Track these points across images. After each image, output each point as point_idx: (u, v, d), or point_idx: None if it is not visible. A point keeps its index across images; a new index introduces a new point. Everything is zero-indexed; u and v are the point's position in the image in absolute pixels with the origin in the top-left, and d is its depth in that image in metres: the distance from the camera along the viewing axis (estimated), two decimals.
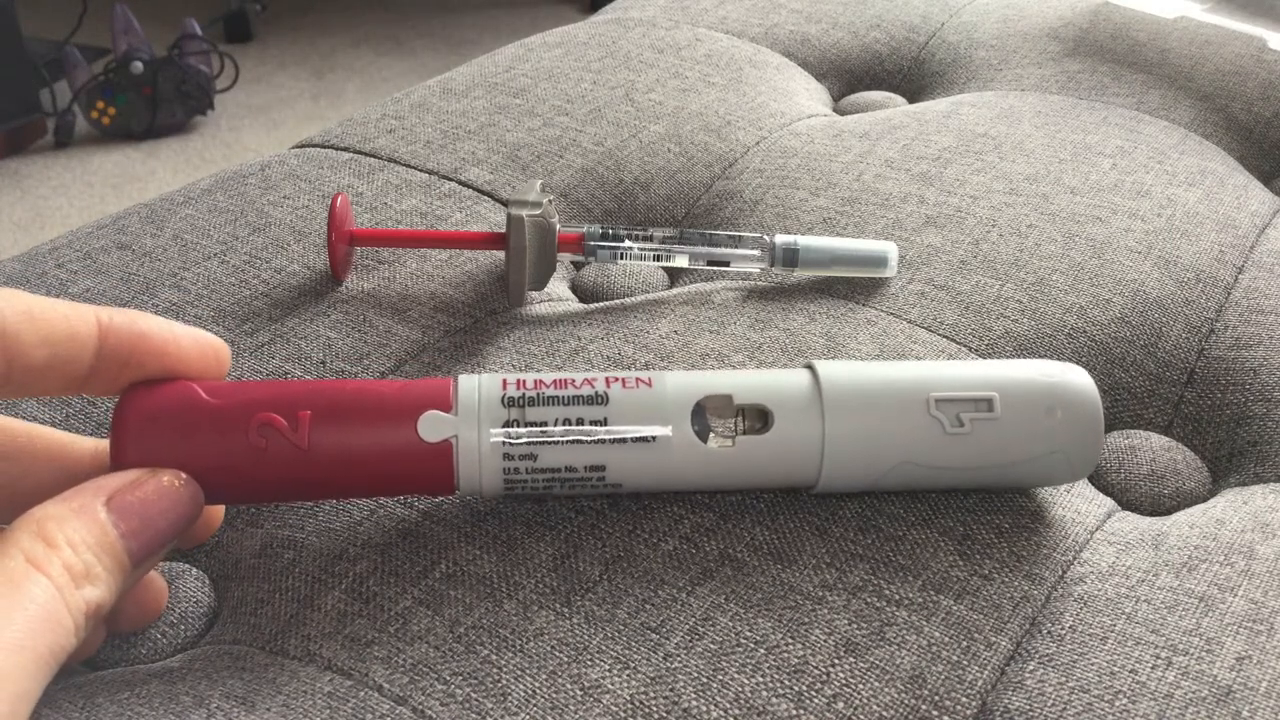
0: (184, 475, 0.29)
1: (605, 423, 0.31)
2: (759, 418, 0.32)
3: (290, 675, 0.30)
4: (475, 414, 0.31)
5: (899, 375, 0.33)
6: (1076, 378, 0.33)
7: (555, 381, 0.31)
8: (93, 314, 0.28)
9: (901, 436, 0.32)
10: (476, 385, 0.31)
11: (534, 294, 0.46)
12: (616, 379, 0.32)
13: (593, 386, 0.31)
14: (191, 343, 0.30)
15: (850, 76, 0.71)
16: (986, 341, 0.43)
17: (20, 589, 0.23)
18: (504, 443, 0.31)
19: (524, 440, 0.31)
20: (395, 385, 0.31)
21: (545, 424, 0.31)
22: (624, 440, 0.31)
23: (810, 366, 0.33)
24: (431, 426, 0.30)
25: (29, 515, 0.25)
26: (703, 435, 0.32)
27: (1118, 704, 0.30)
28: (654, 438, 0.31)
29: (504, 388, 0.31)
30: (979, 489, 0.35)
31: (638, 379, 0.32)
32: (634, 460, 0.31)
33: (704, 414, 0.32)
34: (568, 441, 0.31)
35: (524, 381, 0.31)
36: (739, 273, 0.47)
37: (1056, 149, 0.55)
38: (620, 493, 0.33)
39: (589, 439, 0.31)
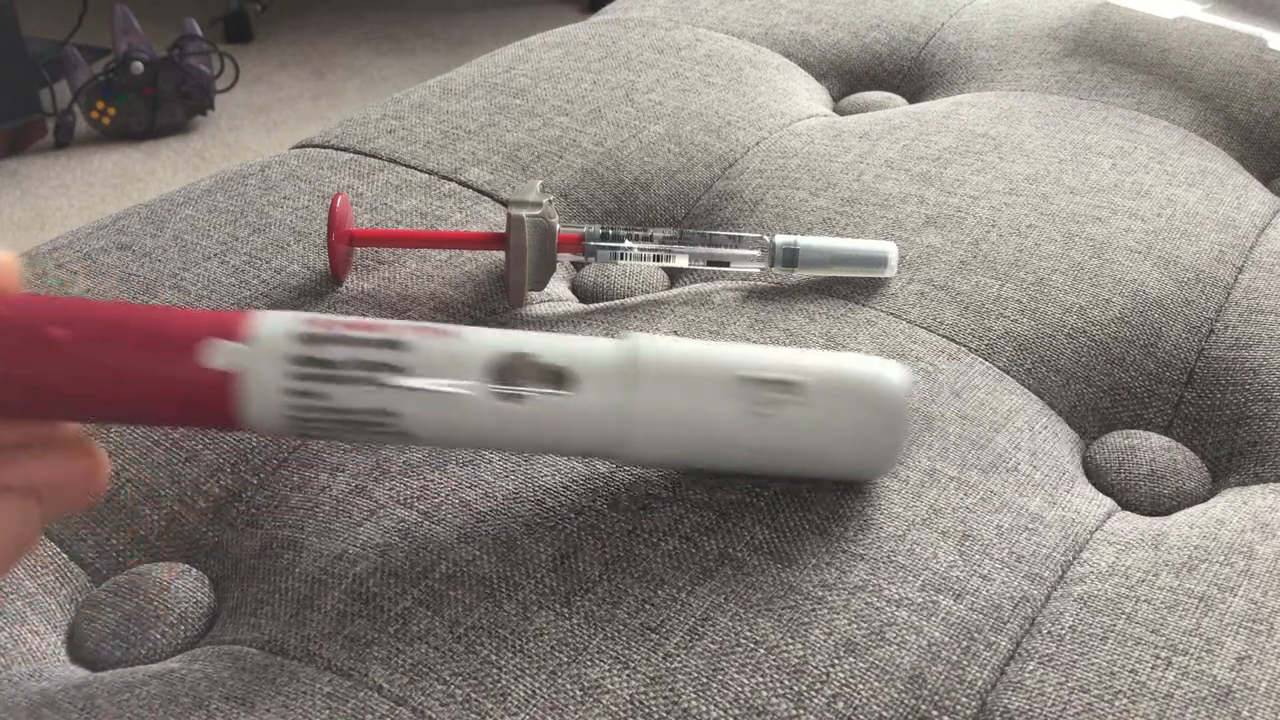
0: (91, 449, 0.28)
1: (402, 369, 0.30)
2: (565, 380, 0.32)
3: (290, 676, 0.30)
4: (265, 346, 0.29)
5: (710, 352, 0.32)
6: (888, 372, 0.33)
7: (358, 324, 0.31)
8: None
9: (704, 411, 0.32)
10: (272, 320, 0.30)
11: (534, 294, 0.46)
12: (423, 329, 0.31)
13: (394, 333, 0.30)
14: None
15: (850, 77, 0.71)
16: (986, 341, 0.43)
17: None
18: (292, 376, 0.29)
19: (313, 376, 0.30)
20: (187, 311, 0.30)
21: (338, 364, 0.30)
22: (417, 388, 0.30)
23: (626, 337, 0.33)
24: (217, 354, 0.29)
25: None
26: (503, 392, 0.31)
27: (1118, 704, 0.30)
28: (449, 389, 0.30)
29: (300, 324, 0.30)
30: (786, 477, 0.35)
31: (443, 330, 0.31)
32: (427, 410, 0.30)
33: (514, 374, 0.31)
34: (359, 383, 0.30)
35: (324, 320, 0.30)
36: (739, 273, 0.47)
37: (1056, 149, 0.55)
38: (418, 444, 0.32)
39: (382, 383, 0.30)
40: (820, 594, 0.32)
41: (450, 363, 0.30)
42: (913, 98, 0.69)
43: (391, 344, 0.30)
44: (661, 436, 0.32)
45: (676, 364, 0.32)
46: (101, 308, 0.29)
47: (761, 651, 0.31)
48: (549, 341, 0.31)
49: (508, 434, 0.31)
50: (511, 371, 0.31)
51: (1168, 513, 0.38)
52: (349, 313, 0.43)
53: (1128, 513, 0.38)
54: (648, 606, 0.32)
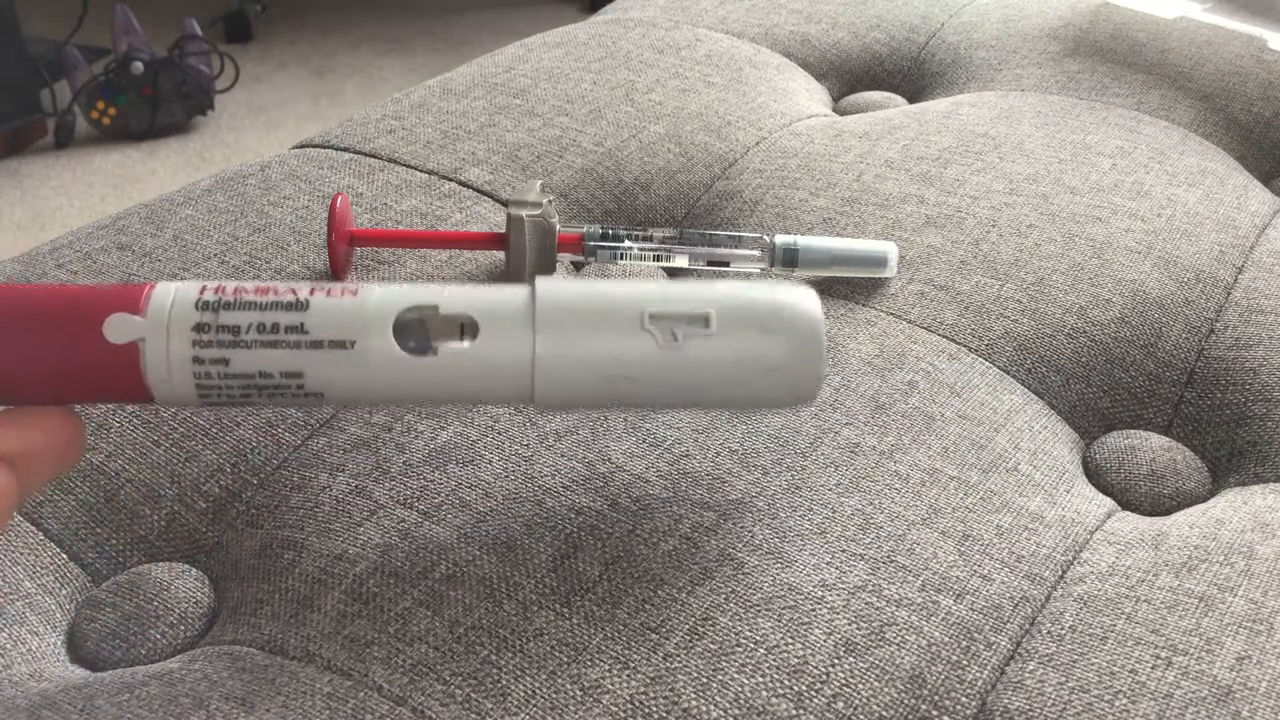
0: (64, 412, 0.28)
1: (303, 329, 0.30)
2: (471, 332, 0.31)
3: (290, 676, 0.30)
4: (165, 317, 0.29)
5: (615, 290, 0.32)
6: (798, 297, 0.32)
7: (256, 289, 0.30)
8: None
9: (614, 351, 0.31)
10: (171, 290, 0.30)
11: None
12: (322, 288, 0.31)
13: (294, 294, 0.30)
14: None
15: (850, 77, 0.71)
16: (986, 341, 0.43)
17: None
18: (193, 345, 0.29)
19: (214, 343, 0.29)
20: (88, 288, 0.30)
21: (239, 329, 0.30)
22: (320, 346, 0.30)
23: (531, 283, 0.32)
24: (119, 328, 0.29)
25: None
26: (408, 345, 0.31)
27: (1118, 704, 0.30)
28: (351, 345, 0.30)
29: (200, 292, 0.30)
30: (702, 407, 0.34)
31: (344, 289, 0.31)
32: (332, 368, 0.30)
33: (420, 328, 0.31)
34: (261, 345, 0.30)
35: (223, 288, 0.30)
36: (739, 273, 0.47)
37: (1056, 149, 0.55)
38: (326, 403, 0.32)
39: (283, 343, 0.30)
40: (820, 594, 0.32)
41: (351, 320, 0.30)
42: (913, 98, 0.69)
43: (291, 305, 0.30)
44: (570, 380, 0.31)
45: (579, 305, 0.31)
46: (3, 290, 0.29)
47: (761, 651, 0.31)
48: (449, 293, 0.31)
49: (414, 389, 0.31)
50: (412, 325, 0.31)
51: (1168, 513, 0.38)
52: None
53: (1128, 513, 0.38)
54: (648, 606, 0.32)
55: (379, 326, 0.30)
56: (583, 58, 0.64)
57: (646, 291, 0.32)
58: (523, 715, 0.29)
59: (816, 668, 0.30)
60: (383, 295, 0.31)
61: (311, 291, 0.30)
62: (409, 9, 2.20)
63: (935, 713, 0.29)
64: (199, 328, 0.29)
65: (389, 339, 0.30)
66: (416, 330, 0.31)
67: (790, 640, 0.31)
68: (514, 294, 0.31)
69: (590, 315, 0.31)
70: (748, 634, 0.31)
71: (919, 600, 0.32)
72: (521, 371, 0.31)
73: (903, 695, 0.30)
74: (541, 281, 0.32)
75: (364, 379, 0.31)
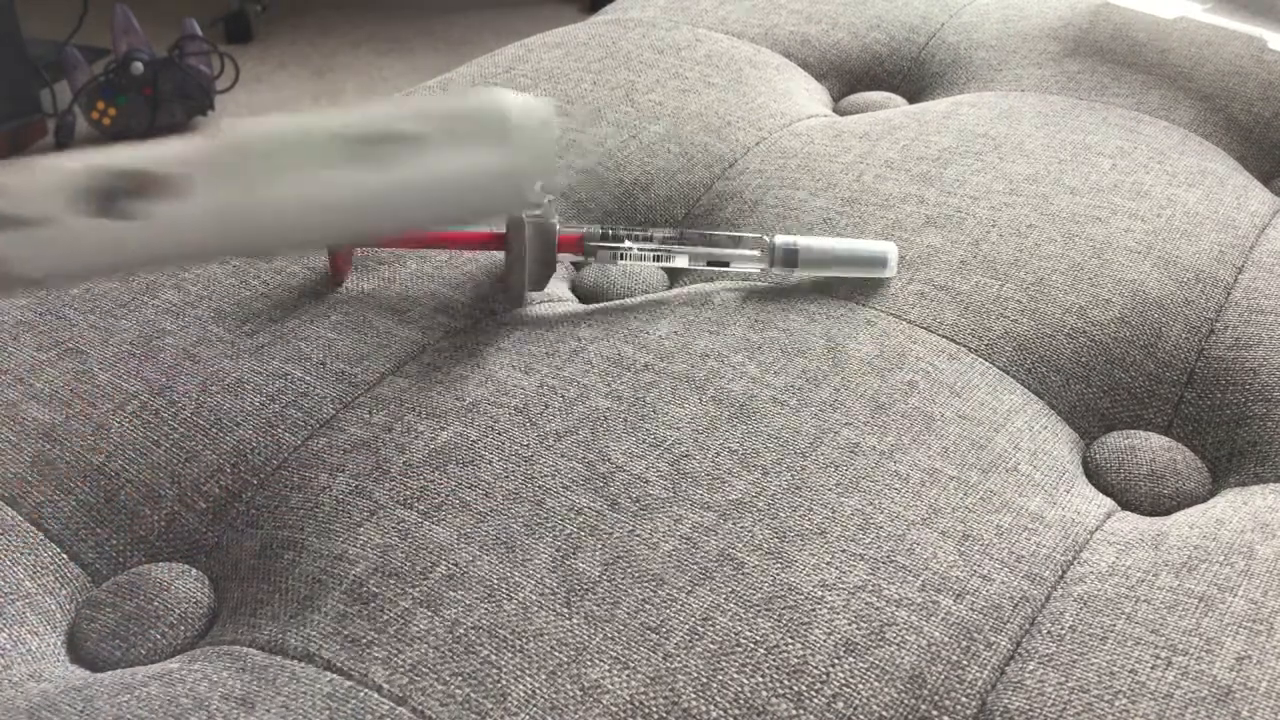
0: None
1: None
2: (161, 188, 0.30)
3: (290, 676, 0.30)
4: None
5: (306, 121, 0.31)
6: (506, 97, 0.32)
7: None
8: None
9: (317, 181, 0.30)
10: None
11: (534, 294, 0.46)
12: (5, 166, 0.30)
13: None
14: None
15: (850, 77, 0.71)
16: (986, 341, 0.43)
17: None
18: None
19: None
20: None
21: None
22: (8, 225, 0.29)
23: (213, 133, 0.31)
24: None
25: None
26: (96, 210, 0.29)
27: (1118, 704, 0.30)
28: (43, 219, 0.29)
29: None
30: (426, 226, 0.33)
31: (18, 165, 0.30)
32: (28, 246, 0.29)
33: (102, 193, 0.30)
34: None
35: None
36: (739, 273, 0.47)
37: (1056, 149, 0.55)
38: (27, 287, 0.31)
39: None
40: (820, 594, 0.32)
41: (38, 193, 0.29)
42: (913, 98, 0.69)
43: None
44: (282, 219, 0.31)
45: (269, 141, 0.31)
46: None
47: (761, 651, 0.31)
48: (130, 152, 0.30)
49: (119, 256, 0.30)
50: (100, 190, 0.30)
51: (1168, 513, 0.38)
52: (349, 313, 0.43)
53: (1128, 513, 0.38)
54: (648, 606, 0.32)
55: (76, 197, 0.29)
56: (583, 58, 0.64)
57: (336, 118, 0.31)
58: (523, 715, 0.29)
59: (816, 668, 0.30)
60: (71, 162, 0.29)
61: None
62: (409, 9, 2.20)
63: (935, 713, 0.29)
64: None
65: (88, 208, 0.29)
66: (110, 195, 0.30)
67: (790, 640, 0.31)
68: (198, 143, 0.30)
69: (285, 151, 0.30)
70: (748, 634, 0.31)
71: (919, 600, 0.32)
72: (223, 219, 0.30)
73: (903, 695, 0.30)
74: (227, 124, 0.31)
75: (69, 253, 0.29)
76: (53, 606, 0.35)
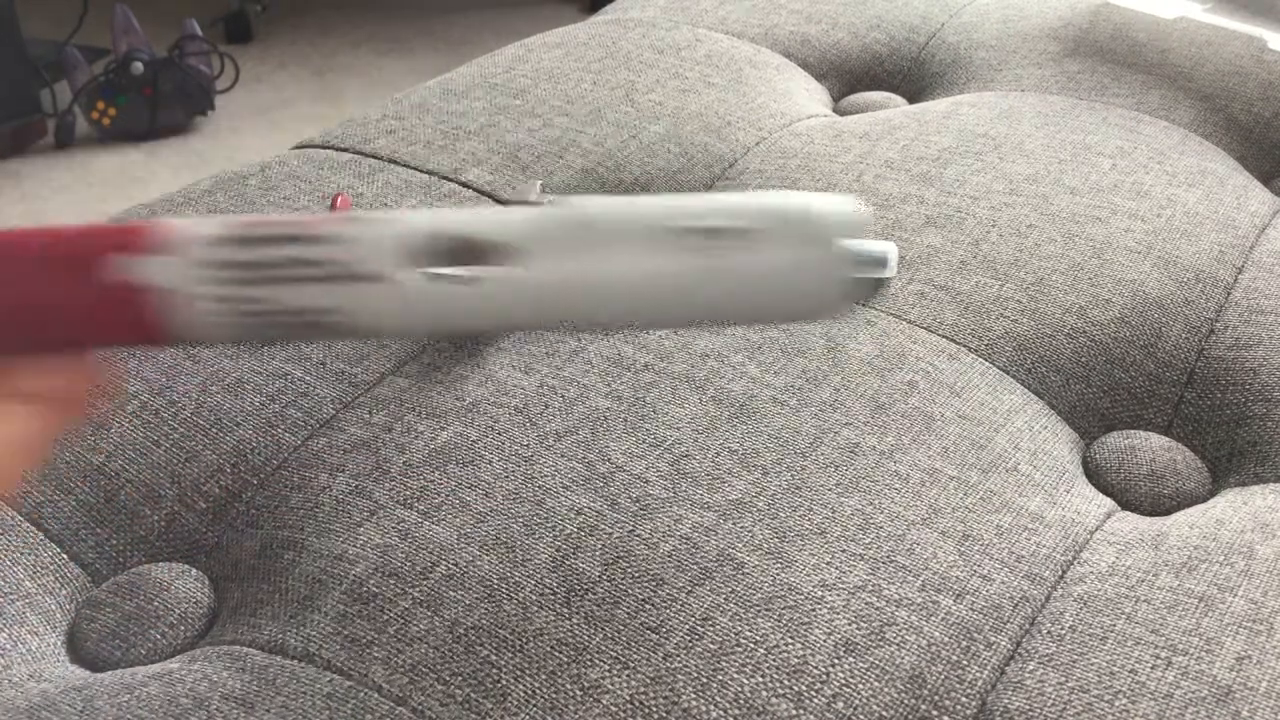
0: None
1: (322, 263, 0.29)
2: (488, 255, 0.31)
3: (290, 676, 0.30)
4: (182, 255, 0.29)
5: (631, 207, 0.31)
6: (822, 204, 0.32)
7: (270, 221, 0.30)
8: None
9: (638, 267, 0.31)
10: (186, 225, 0.29)
11: None
12: (336, 220, 0.30)
13: (309, 227, 0.29)
14: None
15: (850, 77, 0.71)
16: (986, 341, 0.43)
17: None
18: (214, 283, 0.29)
19: (235, 281, 0.29)
20: (97, 226, 0.29)
21: (258, 264, 0.29)
22: (340, 279, 0.29)
23: (545, 202, 0.32)
24: (134, 268, 0.28)
25: None
26: (429, 274, 0.30)
27: (1118, 704, 0.30)
28: (373, 276, 0.29)
29: (214, 228, 0.29)
30: (720, 324, 0.34)
31: (358, 219, 0.30)
32: (353, 300, 0.30)
33: (439, 254, 0.30)
34: (282, 281, 0.29)
35: (237, 222, 0.29)
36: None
37: (1056, 149, 0.55)
38: (345, 337, 0.32)
39: (304, 277, 0.29)
40: (820, 594, 0.32)
41: (370, 252, 0.30)
42: (913, 98, 0.68)
43: (308, 239, 0.29)
44: (590, 300, 0.31)
45: (597, 222, 0.31)
46: (12, 237, 0.29)
47: (761, 651, 0.31)
48: (465, 216, 0.31)
49: (437, 318, 0.31)
50: (435, 251, 0.30)
51: (1168, 513, 0.38)
52: None
53: (1128, 513, 0.38)
54: (648, 606, 0.32)
55: (399, 256, 0.30)
56: (583, 58, 0.64)
57: (660, 206, 0.32)
58: (523, 715, 0.29)
59: (816, 668, 0.30)
60: (402, 221, 0.30)
61: (326, 223, 0.30)
62: (409, 9, 2.20)
63: (935, 713, 0.29)
64: (218, 264, 0.29)
65: (410, 269, 0.30)
66: (434, 256, 0.30)
67: (790, 640, 0.31)
68: (527, 214, 0.31)
69: (608, 232, 0.31)
70: (748, 634, 0.31)
71: (919, 600, 0.32)
72: (538, 294, 0.31)
73: (903, 695, 0.30)
74: (555, 200, 0.31)
75: (385, 311, 0.30)
76: (53, 606, 0.35)
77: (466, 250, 0.31)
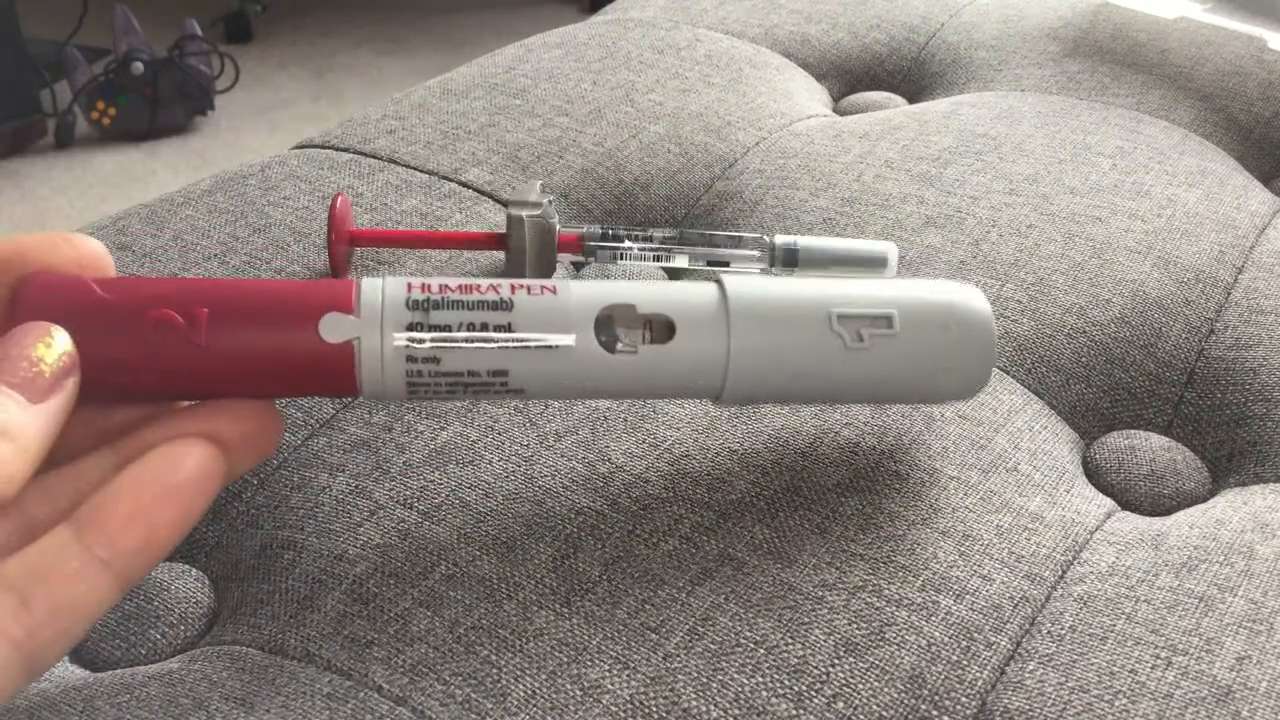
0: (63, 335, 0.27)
1: (509, 328, 0.31)
2: (664, 329, 0.32)
3: (290, 676, 0.30)
4: (378, 316, 0.30)
5: (803, 291, 0.33)
6: (972, 298, 0.34)
7: (460, 286, 0.31)
8: None
9: (803, 350, 0.33)
10: (380, 288, 0.30)
11: None
12: (522, 286, 0.31)
13: (497, 292, 0.31)
14: (61, 243, 0.29)
15: (850, 77, 0.71)
16: None
17: None
18: (407, 345, 0.30)
19: (427, 343, 0.30)
20: (297, 285, 0.30)
21: (449, 327, 0.30)
22: (527, 346, 0.31)
23: (718, 280, 0.33)
24: (333, 328, 0.29)
25: None
26: (609, 344, 0.32)
27: (1118, 704, 0.30)
28: (557, 345, 0.31)
29: (408, 290, 0.31)
30: (877, 402, 0.36)
31: (542, 287, 0.31)
32: (537, 366, 0.31)
33: (610, 324, 0.32)
34: (471, 346, 0.30)
35: (429, 285, 0.31)
36: (739, 273, 0.47)
37: (1056, 149, 0.55)
38: (524, 398, 0.33)
39: (492, 344, 0.31)
40: (820, 594, 0.32)
41: (554, 319, 0.31)
42: (913, 98, 0.69)
43: (496, 304, 0.31)
44: (759, 378, 0.33)
45: (770, 306, 0.33)
46: (212, 287, 0.30)
47: (761, 651, 0.31)
48: (645, 291, 0.32)
49: (613, 384, 0.32)
50: (612, 323, 0.32)
51: (1168, 513, 0.38)
52: None
53: (1128, 513, 0.38)
54: (648, 606, 0.32)
55: (582, 325, 0.31)
56: (583, 58, 0.64)
57: (831, 291, 0.33)
58: (523, 715, 0.29)
59: (816, 668, 0.30)
60: (582, 294, 0.32)
61: (513, 290, 0.31)
62: (409, 9, 2.20)
63: (935, 713, 0.29)
64: (412, 326, 0.30)
65: (591, 338, 0.31)
66: (610, 327, 0.32)
67: (790, 640, 0.31)
68: (706, 293, 0.33)
69: (781, 316, 0.33)
70: (748, 634, 0.31)
71: (919, 600, 0.32)
72: (714, 370, 0.32)
73: (903, 695, 0.30)
74: (730, 280, 0.33)
75: (567, 375, 0.31)
76: None
77: (636, 323, 0.32)
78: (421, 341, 0.30)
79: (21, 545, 0.25)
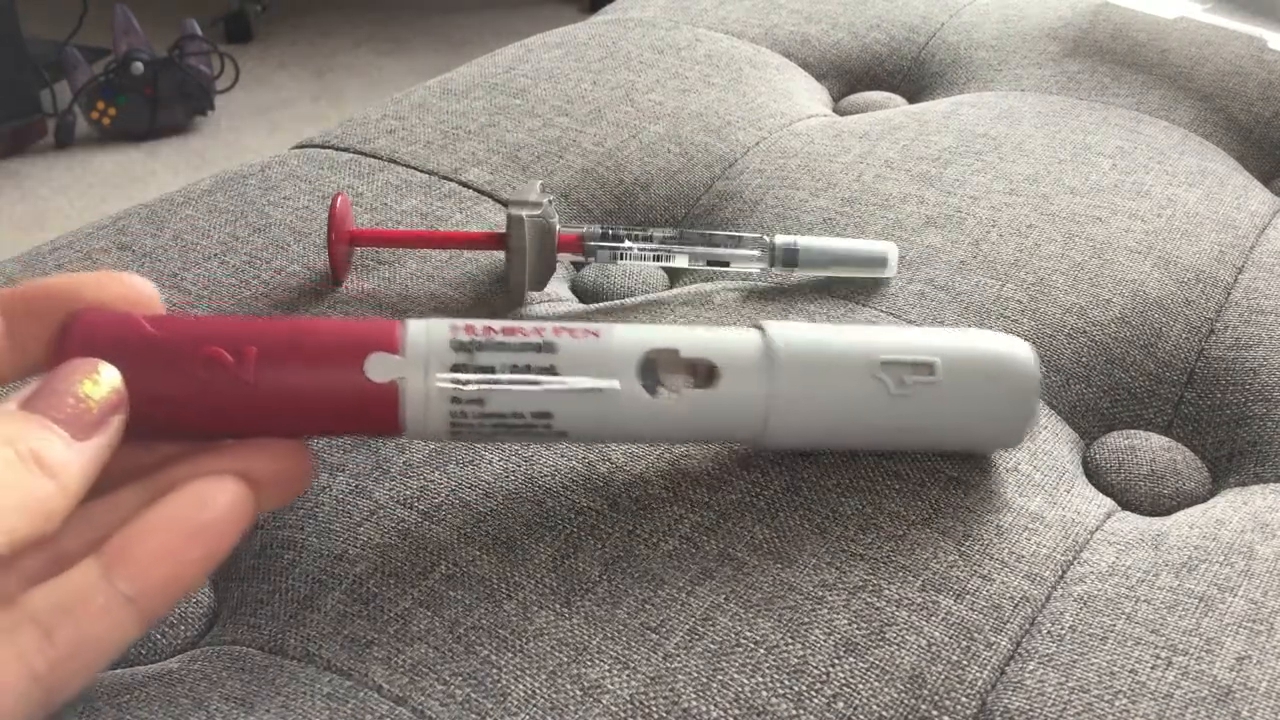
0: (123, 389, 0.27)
1: (553, 371, 0.31)
2: (707, 373, 0.32)
3: (290, 676, 0.30)
4: (423, 357, 0.30)
5: (846, 337, 0.34)
6: (1016, 347, 0.34)
7: (504, 328, 0.31)
8: None
9: (845, 396, 0.33)
10: (425, 329, 0.31)
11: (534, 294, 0.46)
12: (566, 329, 0.32)
13: (541, 335, 0.31)
14: (110, 281, 0.30)
15: (850, 77, 0.71)
16: None
17: None
18: (451, 386, 0.30)
19: (471, 385, 0.31)
20: (343, 324, 0.31)
21: (494, 369, 0.31)
22: (571, 389, 0.31)
23: (760, 326, 0.33)
24: (379, 367, 0.30)
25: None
26: (650, 388, 0.32)
27: (1118, 704, 0.30)
28: (600, 388, 0.31)
29: (453, 332, 0.31)
30: (918, 450, 0.36)
31: (586, 330, 0.32)
32: (580, 409, 0.31)
33: (653, 367, 0.32)
34: (516, 388, 0.31)
35: (473, 327, 0.31)
36: (739, 273, 0.47)
37: (1056, 149, 0.55)
38: (566, 441, 0.33)
39: (536, 386, 0.31)
40: (820, 594, 0.32)
41: (598, 362, 0.31)
42: (913, 98, 0.69)
43: (540, 347, 0.31)
44: (802, 424, 0.33)
45: (814, 352, 0.33)
46: (259, 326, 0.30)
47: (761, 651, 0.31)
48: (688, 335, 0.33)
49: (655, 428, 0.32)
50: (655, 367, 0.32)
51: (1168, 513, 0.38)
52: (349, 312, 0.43)
53: (1128, 513, 0.38)
54: (648, 606, 0.32)
55: (625, 370, 0.31)
56: (583, 58, 0.64)
57: (874, 339, 0.34)
58: (523, 715, 0.29)
59: (816, 668, 0.30)
60: (625, 338, 0.32)
61: (556, 332, 0.32)
62: (409, 9, 2.20)
63: (935, 713, 0.29)
64: (456, 368, 0.30)
65: (634, 382, 0.32)
66: (654, 372, 0.32)
67: (790, 640, 0.31)
68: (749, 339, 0.33)
69: (824, 363, 0.33)
70: (748, 634, 0.31)
71: (919, 600, 0.32)
72: (756, 415, 0.33)
73: (903, 695, 0.30)
74: (773, 326, 0.33)
75: (610, 419, 0.32)
76: None
77: (678, 367, 0.32)
78: (466, 383, 0.30)
79: (49, 575, 0.25)
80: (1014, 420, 0.34)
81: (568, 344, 0.31)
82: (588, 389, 0.31)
